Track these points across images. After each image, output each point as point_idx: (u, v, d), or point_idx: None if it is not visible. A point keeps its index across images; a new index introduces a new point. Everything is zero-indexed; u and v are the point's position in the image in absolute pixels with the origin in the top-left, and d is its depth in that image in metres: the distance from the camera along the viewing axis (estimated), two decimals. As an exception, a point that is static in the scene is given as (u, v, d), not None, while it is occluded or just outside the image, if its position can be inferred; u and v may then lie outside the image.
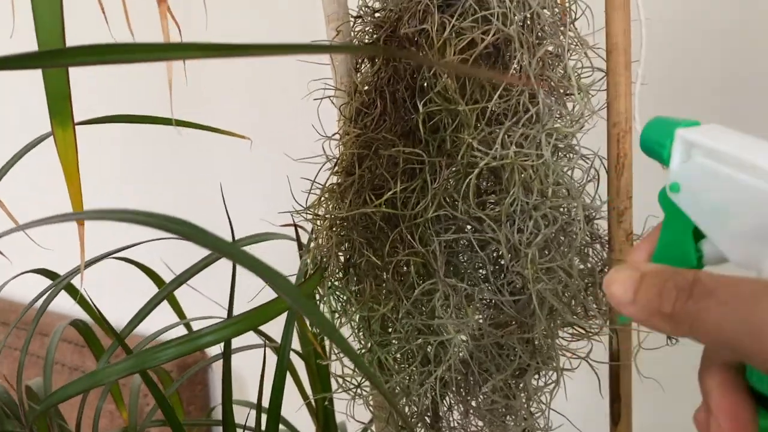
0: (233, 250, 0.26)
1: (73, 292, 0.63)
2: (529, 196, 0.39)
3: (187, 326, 0.73)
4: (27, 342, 0.49)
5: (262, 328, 0.59)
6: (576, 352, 0.45)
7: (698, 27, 0.71)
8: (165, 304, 0.65)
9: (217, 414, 1.09)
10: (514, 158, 0.38)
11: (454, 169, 0.39)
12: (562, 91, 0.41)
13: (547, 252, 0.40)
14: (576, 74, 0.41)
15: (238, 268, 0.58)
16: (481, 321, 0.43)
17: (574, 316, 0.42)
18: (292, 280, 0.62)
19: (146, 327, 0.62)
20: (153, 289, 0.68)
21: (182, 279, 0.52)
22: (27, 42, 0.38)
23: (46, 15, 0.32)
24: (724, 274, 0.27)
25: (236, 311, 0.56)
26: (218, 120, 0.57)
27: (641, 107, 0.42)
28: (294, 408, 0.65)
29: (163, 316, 0.67)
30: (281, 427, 0.68)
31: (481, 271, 0.45)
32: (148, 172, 1.20)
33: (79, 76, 0.37)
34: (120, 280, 0.85)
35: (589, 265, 0.44)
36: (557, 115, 0.40)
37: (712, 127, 0.31)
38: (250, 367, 0.87)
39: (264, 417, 0.58)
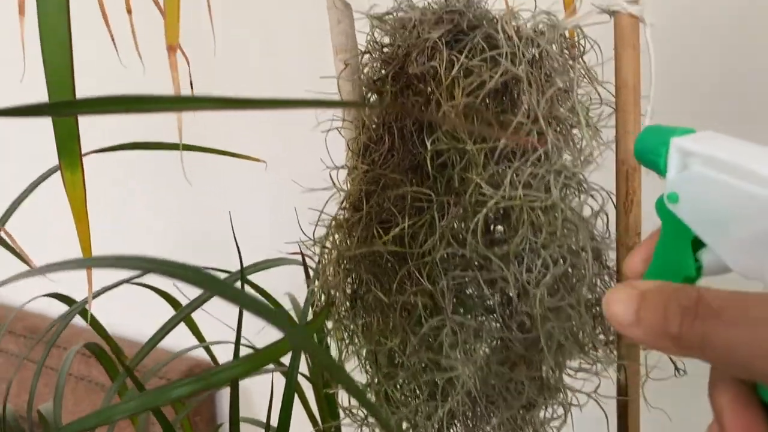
0: (228, 291, 0.26)
1: (86, 313, 0.63)
2: (538, 235, 0.39)
3: (208, 350, 0.73)
4: (38, 372, 0.49)
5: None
6: (582, 389, 0.45)
7: (697, 23, 0.70)
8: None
9: (224, 430, 1.09)
10: (523, 199, 0.38)
11: (461, 207, 0.39)
12: (570, 125, 0.41)
13: (556, 288, 0.40)
14: (585, 110, 0.41)
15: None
16: (488, 356, 0.43)
17: (582, 354, 0.42)
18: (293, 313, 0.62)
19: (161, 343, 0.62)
20: (166, 308, 0.68)
21: (196, 304, 0.52)
22: (37, 84, 0.38)
23: (55, 61, 0.32)
24: (725, 289, 0.26)
25: (245, 332, 0.57)
26: (228, 143, 0.57)
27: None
28: (302, 429, 0.65)
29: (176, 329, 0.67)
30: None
31: (488, 303, 0.44)
32: (155, 193, 1.20)
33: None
34: (134, 299, 0.86)
35: (596, 296, 0.44)
36: (566, 153, 0.39)
37: (707, 134, 0.31)
38: (258, 383, 0.87)
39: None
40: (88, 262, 0.32)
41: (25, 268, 0.55)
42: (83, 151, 0.40)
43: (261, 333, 0.48)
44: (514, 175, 0.38)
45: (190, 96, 0.24)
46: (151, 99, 0.23)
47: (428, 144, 0.40)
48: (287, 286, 0.70)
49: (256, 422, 0.74)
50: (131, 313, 1.10)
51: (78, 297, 0.62)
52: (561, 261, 0.39)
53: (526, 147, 0.36)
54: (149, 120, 1.09)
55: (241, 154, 0.61)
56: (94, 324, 0.57)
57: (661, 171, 0.32)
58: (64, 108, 0.25)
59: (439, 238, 0.39)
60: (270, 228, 1.05)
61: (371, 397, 0.50)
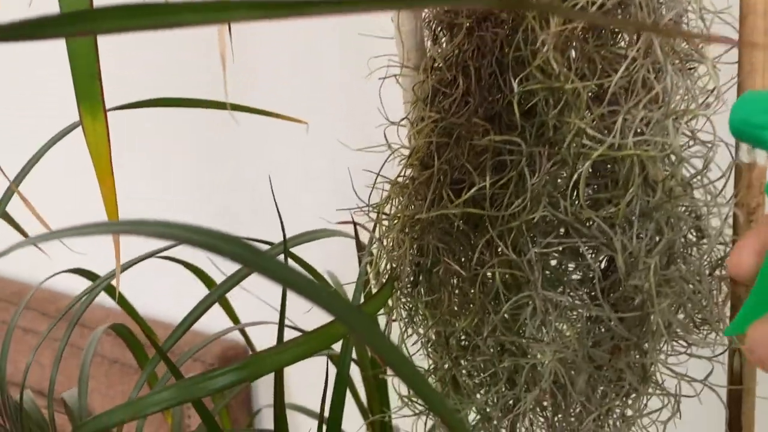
0: (272, 266, 0.20)
1: (113, 290, 0.57)
2: (651, 194, 0.32)
3: (243, 332, 0.67)
4: (58, 356, 0.44)
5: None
6: (688, 375, 0.38)
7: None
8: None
9: (261, 417, 1.04)
10: (636, 148, 0.31)
11: (558, 160, 0.32)
12: (686, 65, 0.34)
13: (667, 260, 0.33)
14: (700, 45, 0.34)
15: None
16: (580, 339, 0.36)
17: (697, 335, 0.35)
18: (349, 289, 0.56)
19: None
20: (200, 286, 0.62)
21: (233, 281, 0.46)
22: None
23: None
24: None
25: (289, 314, 0.51)
26: (267, 102, 0.51)
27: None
28: (349, 418, 0.60)
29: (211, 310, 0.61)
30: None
31: (579, 277, 0.38)
32: (192, 162, 1.14)
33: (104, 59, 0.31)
34: (163, 276, 0.80)
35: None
36: (684, 95, 0.32)
37: None
38: (293, 366, 0.81)
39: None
40: (105, 227, 0.26)
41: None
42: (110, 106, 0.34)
43: (308, 314, 0.42)
44: (623, 119, 0.31)
45: (230, 1, 0.17)
46: (184, 6, 0.17)
47: (515, 85, 0.33)
48: (327, 262, 0.63)
49: (306, 411, 0.68)
50: (159, 292, 1.05)
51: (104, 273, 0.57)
52: (676, 225, 0.32)
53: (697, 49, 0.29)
54: (183, 78, 1.02)
55: (284, 115, 0.54)
56: (122, 302, 0.51)
57: (765, 145, 0.26)
58: (78, 21, 0.19)
59: (530, 198, 0.32)
60: (313, 197, 0.98)
61: (436, 384, 0.43)
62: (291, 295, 0.52)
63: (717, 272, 0.39)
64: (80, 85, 0.29)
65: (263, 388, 1.10)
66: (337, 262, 0.69)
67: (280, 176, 1.01)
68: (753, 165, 0.35)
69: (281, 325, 0.45)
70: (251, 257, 0.20)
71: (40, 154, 0.40)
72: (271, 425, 0.53)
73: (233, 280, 0.45)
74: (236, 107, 0.43)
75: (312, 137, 0.71)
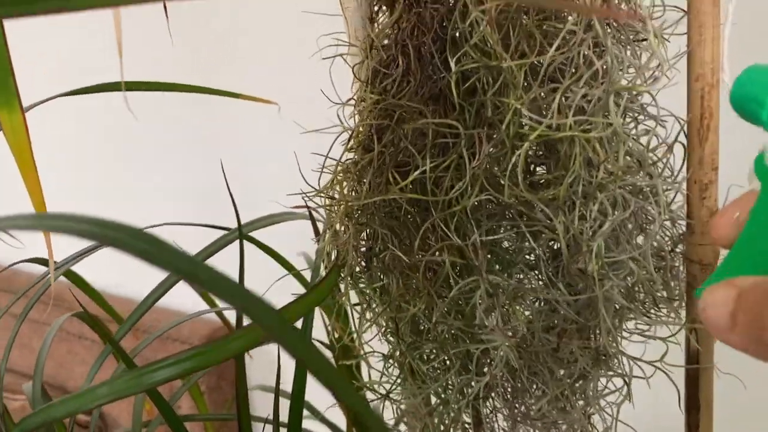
0: (196, 270, 0.19)
1: (73, 276, 0.57)
2: (593, 173, 0.31)
3: (219, 314, 0.66)
4: (11, 342, 0.43)
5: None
6: (642, 357, 0.37)
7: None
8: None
9: (253, 396, 1.04)
10: (575, 127, 0.30)
11: (496, 142, 0.31)
12: (630, 37, 0.32)
13: (613, 241, 0.32)
14: (648, 11, 0.32)
15: (249, 255, 0.51)
16: (531, 323, 0.36)
17: (647, 316, 0.35)
18: (307, 274, 0.55)
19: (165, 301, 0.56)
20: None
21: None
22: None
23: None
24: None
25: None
26: (238, 84, 0.49)
27: (732, 54, 0.34)
28: (322, 395, 0.59)
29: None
30: (308, 414, 0.62)
31: (530, 259, 0.37)
32: (158, 147, 1.12)
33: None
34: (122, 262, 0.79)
35: (655, 244, 0.37)
36: (627, 70, 0.31)
37: None
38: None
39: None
40: (30, 220, 0.25)
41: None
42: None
43: (271, 293, 0.41)
44: (563, 98, 0.30)
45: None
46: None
47: (452, 64, 0.32)
48: (300, 247, 0.63)
49: (270, 389, 0.68)
50: (130, 273, 1.05)
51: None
52: (622, 206, 0.31)
53: (619, 20, 0.28)
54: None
55: (245, 95, 0.53)
56: (79, 283, 0.50)
57: (763, 122, 0.25)
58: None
59: (470, 181, 0.31)
60: (275, 181, 0.97)
61: (394, 370, 0.43)
62: (257, 276, 0.51)
63: (678, 248, 0.38)
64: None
65: (255, 366, 1.10)
66: (307, 242, 0.68)
67: (242, 159, 1.00)
68: (704, 140, 0.34)
69: (240, 316, 0.45)
70: (173, 260, 0.19)
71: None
72: (261, 405, 0.53)
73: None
74: (204, 89, 0.42)
75: (275, 119, 0.70)
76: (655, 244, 0.36)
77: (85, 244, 0.54)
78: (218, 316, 0.71)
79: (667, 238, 0.37)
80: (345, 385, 0.21)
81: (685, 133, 0.34)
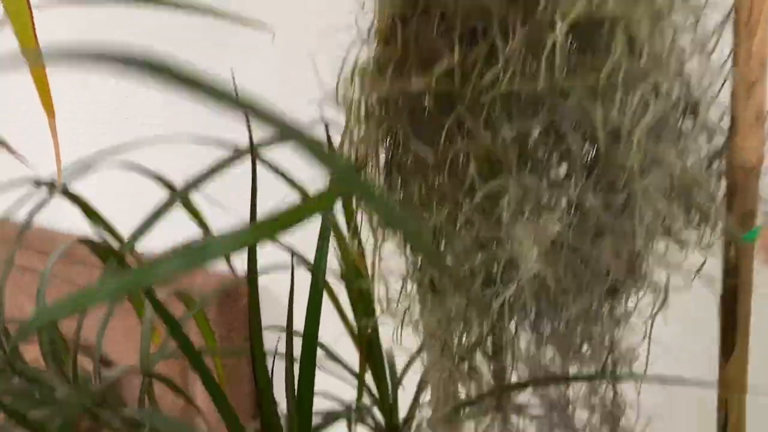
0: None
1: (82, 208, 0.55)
2: (635, 60, 0.29)
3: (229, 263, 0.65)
4: (4, 275, 0.42)
5: (297, 246, 0.51)
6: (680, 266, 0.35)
7: None
8: (185, 222, 0.57)
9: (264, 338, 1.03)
10: (616, 7, 0.27)
11: (534, 24, 0.29)
12: None
13: (656, 134, 0.30)
14: None
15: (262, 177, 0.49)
16: (562, 229, 0.34)
17: (686, 223, 0.33)
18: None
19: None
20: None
21: (196, 184, 0.43)
22: None
23: None
24: None
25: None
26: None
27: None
28: (334, 334, 0.58)
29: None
30: (321, 354, 0.61)
31: (553, 160, 0.35)
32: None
33: None
34: (127, 193, 0.77)
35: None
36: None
37: None
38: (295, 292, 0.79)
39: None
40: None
41: None
42: None
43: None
44: (605, -25, 0.28)
45: None
46: None
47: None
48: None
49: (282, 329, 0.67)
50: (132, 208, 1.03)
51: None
52: (666, 94, 0.29)
53: None
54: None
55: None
56: (89, 212, 0.49)
57: None
58: None
59: (502, 69, 0.29)
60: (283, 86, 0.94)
61: (412, 288, 0.41)
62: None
63: (715, 165, 0.36)
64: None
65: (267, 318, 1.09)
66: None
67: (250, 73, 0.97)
68: (753, 32, 0.32)
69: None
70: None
71: None
72: (273, 346, 0.51)
73: (195, 184, 0.42)
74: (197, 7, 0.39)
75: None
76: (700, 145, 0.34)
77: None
78: (228, 265, 0.69)
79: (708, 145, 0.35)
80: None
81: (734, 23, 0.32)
